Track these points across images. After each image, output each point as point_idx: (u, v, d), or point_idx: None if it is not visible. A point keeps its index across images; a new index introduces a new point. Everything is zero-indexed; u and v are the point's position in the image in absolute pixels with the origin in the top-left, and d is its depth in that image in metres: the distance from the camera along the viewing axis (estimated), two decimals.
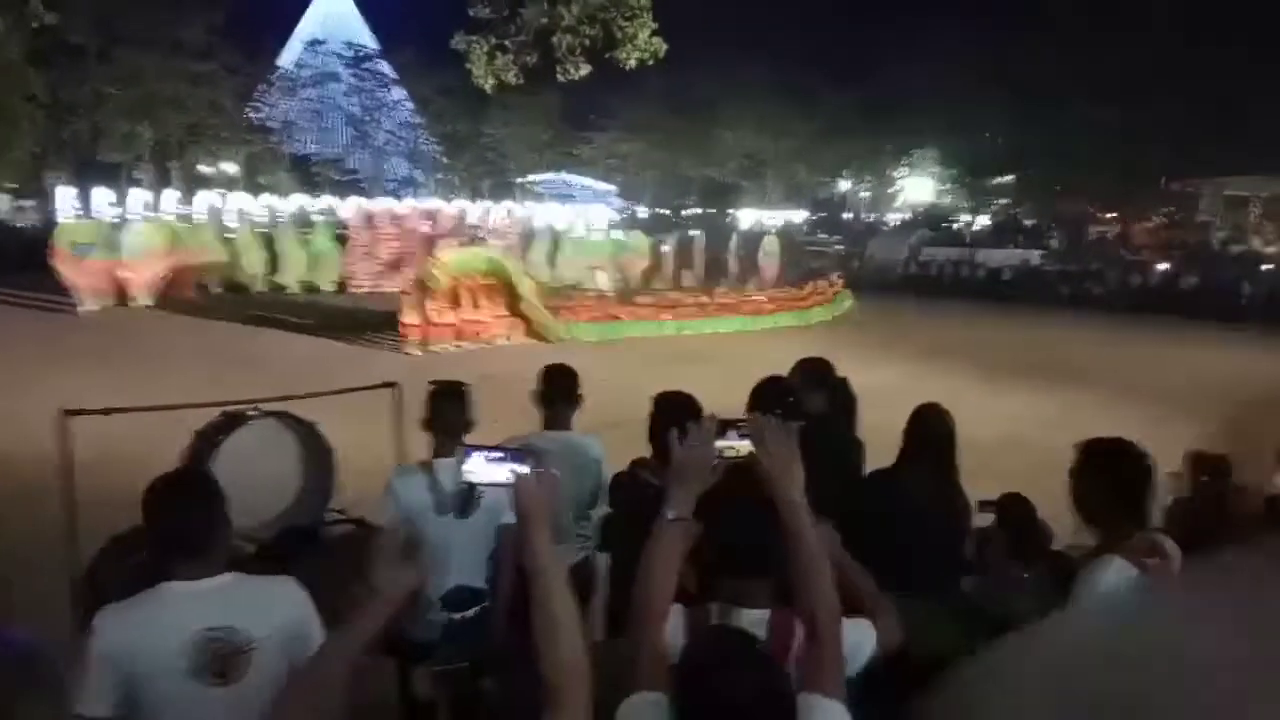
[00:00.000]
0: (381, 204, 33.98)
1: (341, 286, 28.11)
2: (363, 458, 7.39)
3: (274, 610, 2.48)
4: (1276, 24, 33.65)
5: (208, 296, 25.85)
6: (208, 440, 4.91)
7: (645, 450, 3.69)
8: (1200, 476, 6.37)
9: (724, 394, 3.83)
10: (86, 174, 45.04)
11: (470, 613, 3.58)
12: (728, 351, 18.18)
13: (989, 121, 46.47)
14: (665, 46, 13.49)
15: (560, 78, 13.88)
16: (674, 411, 3.58)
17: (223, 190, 42.79)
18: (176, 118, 45.29)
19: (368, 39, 69.12)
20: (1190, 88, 37.02)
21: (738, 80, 52.89)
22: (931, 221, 53.00)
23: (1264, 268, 32.80)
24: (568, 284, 27.18)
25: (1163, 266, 34.47)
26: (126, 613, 2.36)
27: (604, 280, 27.40)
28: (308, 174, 54.93)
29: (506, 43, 13.60)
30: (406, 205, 33.22)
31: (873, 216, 64.19)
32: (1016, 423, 12.54)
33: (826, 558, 2.09)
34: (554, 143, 57.03)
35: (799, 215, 63.91)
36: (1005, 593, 3.53)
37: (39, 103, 39.15)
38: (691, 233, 36.47)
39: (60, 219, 28.39)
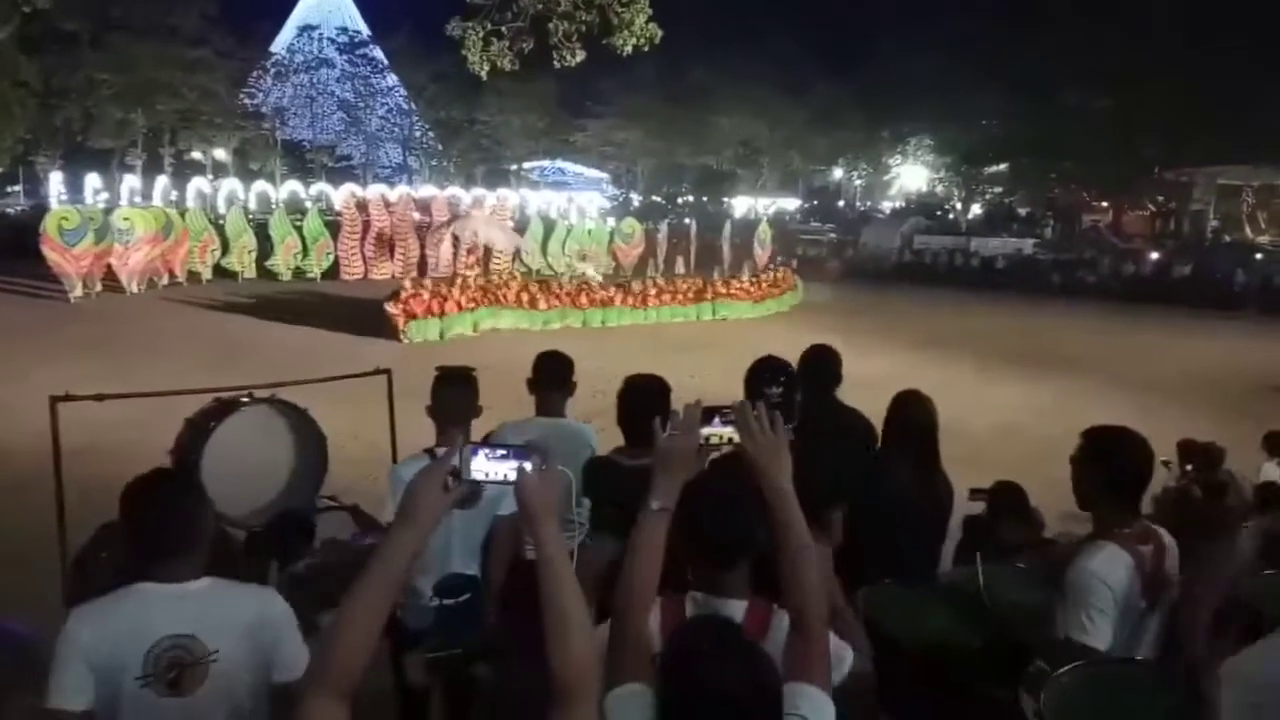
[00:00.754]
0: (374, 191, 33.88)
1: (333, 273, 28.01)
2: (354, 446, 7.40)
3: (245, 621, 2.41)
4: (1270, 13, 33.63)
5: (199, 283, 25.80)
6: (199, 427, 4.87)
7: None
8: (1190, 464, 6.42)
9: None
10: (78, 160, 44.90)
11: (462, 599, 3.58)
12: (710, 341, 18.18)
13: (983, 110, 46.45)
14: (661, 33, 13.44)
15: (556, 64, 13.81)
16: (642, 395, 3.57)
17: (213, 177, 42.75)
18: (169, 104, 45.04)
19: (361, 24, 68.79)
20: (1184, 77, 37.03)
21: (733, 67, 52.75)
22: (925, 210, 52.99)
23: (1258, 256, 32.88)
24: (560, 271, 27.11)
25: (1155, 255, 34.55)
26: (99, 610, 2.32)
27: (593, 268, 27.31)
28: (300, 160, 54.72)
29: (502, 28, 13.53)
30: (398, 192, 33.11)
31: (867, 204, 64.20)
32: (1010, 412, 12.58)
33: (814, 548, 2.05)
34: (549, 130, 56.76)
35: (793, 203, 63.88)
36: (995, 581, 3.53)
37: (30, 89, 38.91)
38: (685, 220, 36.45)
39: (51, 205, 28.27)
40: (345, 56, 57.41)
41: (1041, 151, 43.77)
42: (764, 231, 31.36)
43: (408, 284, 19.84)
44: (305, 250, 28.15)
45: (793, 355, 3.93)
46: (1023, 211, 52.17)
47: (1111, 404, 11.44)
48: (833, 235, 46.18)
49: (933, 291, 30.29)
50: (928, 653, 3.02)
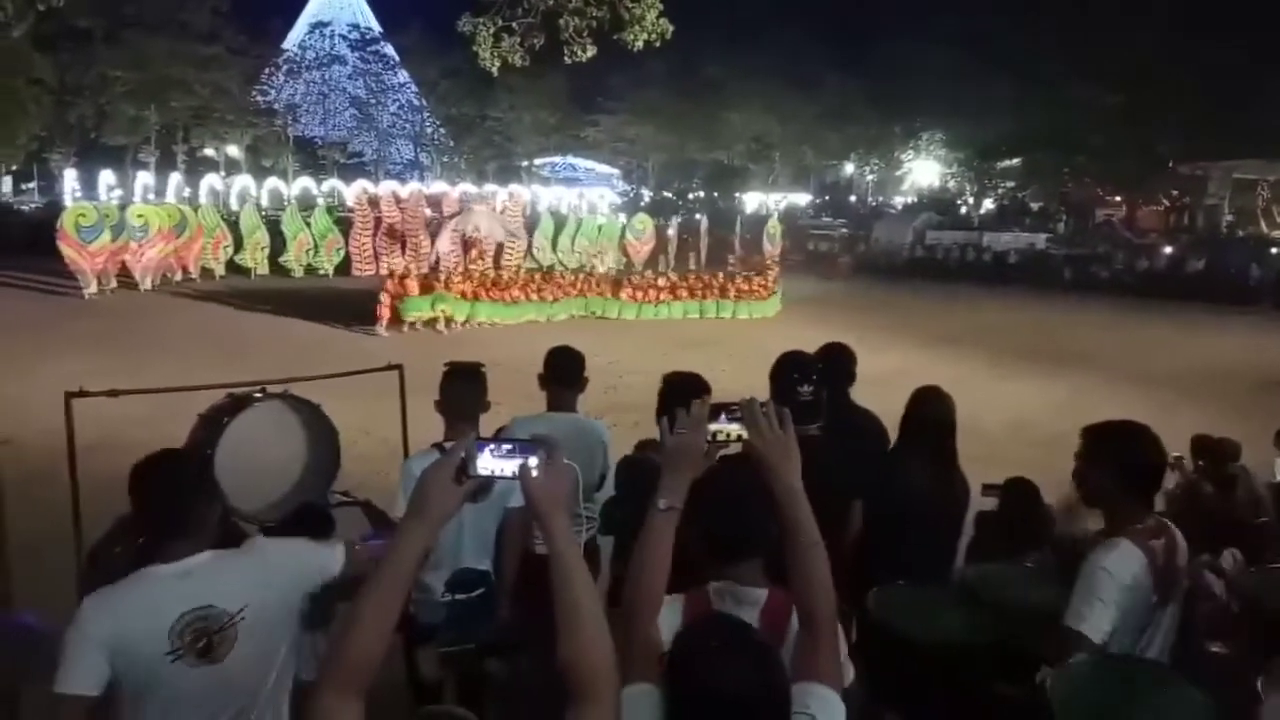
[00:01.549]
0: (385, 187, 33.95)
1: (345, 269, 28.08)
2: (366, 442, 7.42)
3: (255, 576, 2.47)
4: None
5: (212, 279, 25.90)
6: (213, 422, 4.88)
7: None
8: (1203, 460, 6.38)
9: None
10: (92, 157, 45.12)
11: (475, 594, 3.59)
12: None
13: (996, 105, 46.23)
14: (672, 28, 13.42)
15: (567, 59, 13.79)
16: (682, 392, 3.55)
17: (226, 174, 42.91)
18: (182, 101, 45.29)
19: (373, 21, 68.95)
20: (1198, 71, 36.77)
21: (745, 62, 52.64)
22: (937, 205, 52.81)
23: (1272, 251, 32.64)
24: (572, 267, 27.13)
25: (1169, 250, 34.33)
26: (111, 598, 2.35)
27: (602, 263, 27.31)
28: (313, 157, 54.88)
29: (513, 24, 13.51)
30: (409, 188, 33.17)
31: (879, 200, 64.01)
32: (1023, 408, 12.52)
33: (823, 546, 2.03)
34: (560, 125, 56.83)
35: (804, 198, 63.75)
36: (1008, 579, 3.52)
37: (45, 86, 39.10)
38: (696, 216, 36.39)
39: (65, 201, 28.44)
40: (357, 53, 57.64)
41: (1054, 146, 43.54)
42: (773, 227, 31.34)
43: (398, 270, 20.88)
44: (317, 247, 28.25)
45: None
46: (1035, 206, 51.90)
47: (1125, 400, 11.37)
48: (844, 230, 46.06)
49: (945, 287, 30.20)
50: (938, 652, 3.01)
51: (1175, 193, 46.55)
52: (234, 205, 29.37)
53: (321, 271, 27.90)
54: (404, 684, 3.80)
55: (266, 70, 53.67)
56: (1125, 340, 19.53)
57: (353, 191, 33.43)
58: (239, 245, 27.38)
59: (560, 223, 31.39)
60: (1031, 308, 25.20)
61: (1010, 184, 54.82)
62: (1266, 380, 14.82)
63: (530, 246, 29.36)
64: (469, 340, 17.57)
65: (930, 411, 3.93)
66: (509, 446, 1.77)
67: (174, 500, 2.43)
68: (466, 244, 25.77)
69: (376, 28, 64.80)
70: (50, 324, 17.75)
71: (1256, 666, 2.71)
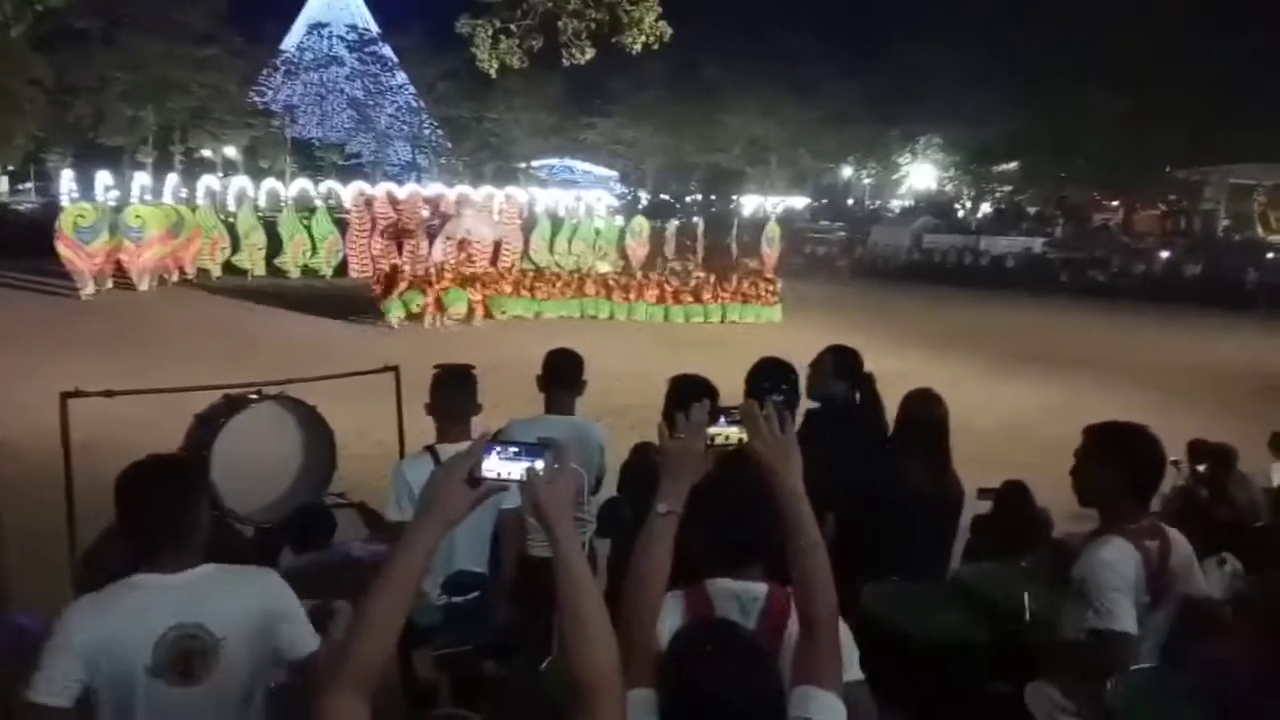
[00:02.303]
0: (382, 188, 33.91)
1: (342, 271, 28.04)
2: (361, 443, 7.41)
3: (249, 605, 2.39)
4: None
5: (209, 280, 25.87)
6: (209, 423, 4.88)
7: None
8: (1200, 465, 6.39)
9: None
10: (89, 158, 45.02)
11: (471, 597, 3.59)
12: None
13: (993, 108, 46.28)
14: (670, 31, 13.44)
15: (565, 62, 13.83)
16: (688, 394, 3.57)
17: (223, 175, 42.85)
18: (180, 102, 45.20)
19: (371, 22, 68.85)
20: (1196, 75, 36.84)
21: (742, 65, 52.58)
22: (935, 208, 52.81)
23: (1269, 255, 32.71)
24: (568, 269, 27.12)
25: (1166, 254, 34.39)
26: (96, 606, 2.28)
27: (602, 266, 27.34)
28: (310, 158, 54.79)
29: (511, 26, 13.54)
30: (407, 190, 33.12)
31: (876, 203, 64.00)
32: (1019, 411, 12.54)
33: (823, 547, 2.02)
34: (558, 128, 56.75)
35: (802, 201, 63.72)
36: (1002, 578, 3.53)
37: (42, 87, 39.03)
38: (693, 219, 36.39)
39: (63, 202, 28.39)
40: (355, 54, 57.48)
41: (1052, 150, 43.59)
42: (772, 230, 31.31)
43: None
44: (314, 248, 28.19)
45: (793, 356, 3.95)
46: (1032, 210, 51.94)
47: (1121, 403, 11.36)
48: (842, 234, 46.06)
49: (942, 290, 30.22)
50: (933, 649, 3.01)
51: (1172, 197, 46.64)
52: (231, 206, 29.30)
53: (320, 273, 27.85)
54: (398, 687, 3.79)
55: (264, 71, 53.60)
56: (1122, 344, 19.56)
57: (350, 193, 33.36)
58: (236, 246, 27.32)
59: (557, 225, 31.37)
60: (1028, 311, 25.23)
61: (1008, 188, 54.84)
62: (1263, 384, 14.84)
63: (527, 249, 29.33)
64: (468, 341, 17.55)
65: (923, 413, 3.94)
66: (516, 449, 1.73)
67: (160, 509, 2.34)
68: (461, 246, 25.84)
69: (375, 29, 64.60)
70: (47, 324, 17.71)
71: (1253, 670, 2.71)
